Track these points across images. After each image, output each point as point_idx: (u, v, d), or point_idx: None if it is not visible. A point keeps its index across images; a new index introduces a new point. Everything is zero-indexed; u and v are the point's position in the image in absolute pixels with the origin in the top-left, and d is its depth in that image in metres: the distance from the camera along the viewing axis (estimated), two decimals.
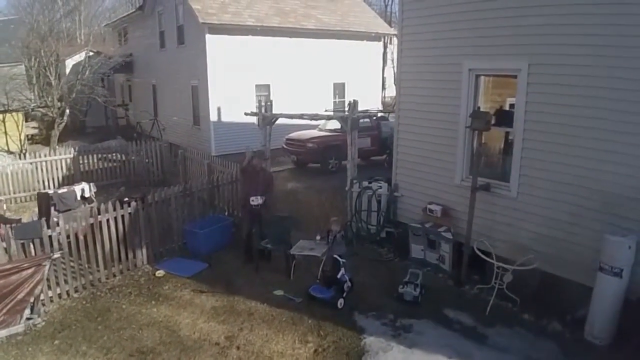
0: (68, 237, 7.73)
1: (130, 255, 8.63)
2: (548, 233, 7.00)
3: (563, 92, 6.66)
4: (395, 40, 30.13)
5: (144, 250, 8.82)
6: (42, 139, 22.49)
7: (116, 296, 7.74)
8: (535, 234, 7.16)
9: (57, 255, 7.11)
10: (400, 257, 8.89)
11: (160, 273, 8.50)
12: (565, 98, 6.63)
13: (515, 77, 7.18)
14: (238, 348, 6.25)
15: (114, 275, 8.36)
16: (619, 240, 5.90)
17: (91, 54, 21.55)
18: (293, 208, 10.91)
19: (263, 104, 10.84)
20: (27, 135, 21.76)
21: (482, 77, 7.89)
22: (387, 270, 8.47)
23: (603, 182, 6.35)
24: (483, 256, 7.07)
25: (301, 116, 10.10)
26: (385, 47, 29.40)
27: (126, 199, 9.01)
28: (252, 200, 8.42)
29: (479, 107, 7.69)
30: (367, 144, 15.56)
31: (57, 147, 19.13)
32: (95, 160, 15.13)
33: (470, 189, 7.53)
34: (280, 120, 11.24)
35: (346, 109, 9.75)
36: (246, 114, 11.24)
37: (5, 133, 19.05)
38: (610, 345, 6.07)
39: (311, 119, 10.21)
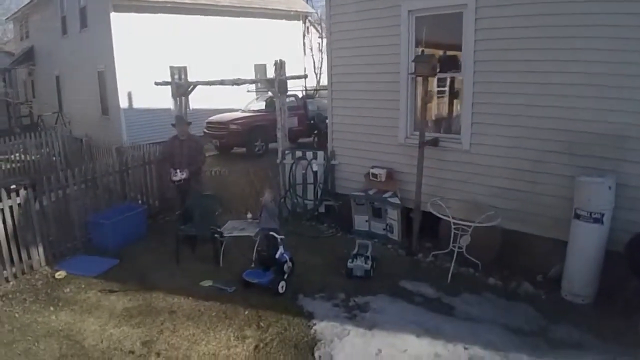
0: None
1: (25, 256, 7.11)
2: (508, 185, 6.24)
3: (519, 24, 5.80)
4: (312, 29, 29.36)
5: (41, 250, 7.30)
6: None
7: (9, 304, 6.26)
8: (493, 188, 6.37)
9: None
10: (343, 231, 7.91)
11: (60, 274, 7.03)
12: (522, 30, 5.79)
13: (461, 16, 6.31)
14: (158, 355, 5.01)
15: (7, 281, 6.84)
16: (597, 181, 5.16)
17: None
18: (220, 188, 9.67)
19: (176, 71, 9.46)
20: None
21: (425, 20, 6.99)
22: (330, 246, 7.43)
23: (572, 120, 5.58)
24: (440, 215, 6.18)
25: (222, 82, 8.85)
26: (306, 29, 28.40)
27: (13, 186, 7.36)
28: (173, 176, 7.16)
29: (422, 51, 6.79)
30: (294, 123, 14.68)
31: None
32: None
33: (418, 145, 6.63)
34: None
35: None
36: (157, 83, 9.79)
37: None
38: (594, 303, 5.35)
39: (233, 84, 8.97)
